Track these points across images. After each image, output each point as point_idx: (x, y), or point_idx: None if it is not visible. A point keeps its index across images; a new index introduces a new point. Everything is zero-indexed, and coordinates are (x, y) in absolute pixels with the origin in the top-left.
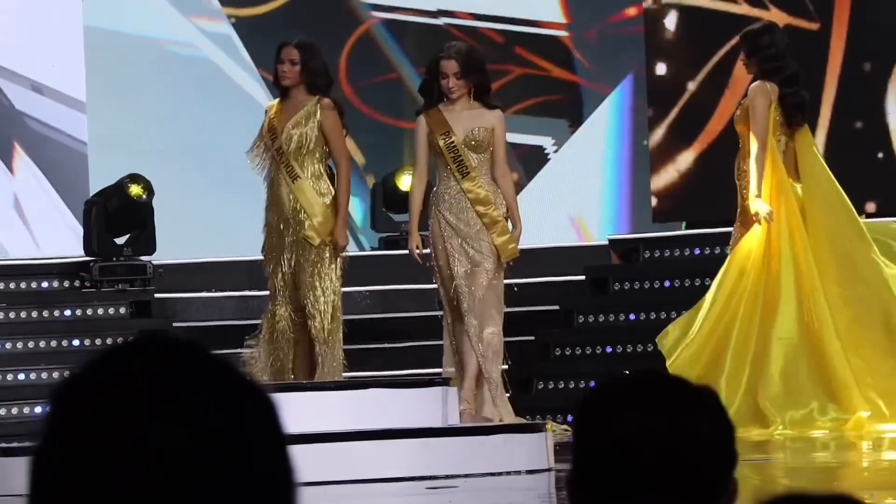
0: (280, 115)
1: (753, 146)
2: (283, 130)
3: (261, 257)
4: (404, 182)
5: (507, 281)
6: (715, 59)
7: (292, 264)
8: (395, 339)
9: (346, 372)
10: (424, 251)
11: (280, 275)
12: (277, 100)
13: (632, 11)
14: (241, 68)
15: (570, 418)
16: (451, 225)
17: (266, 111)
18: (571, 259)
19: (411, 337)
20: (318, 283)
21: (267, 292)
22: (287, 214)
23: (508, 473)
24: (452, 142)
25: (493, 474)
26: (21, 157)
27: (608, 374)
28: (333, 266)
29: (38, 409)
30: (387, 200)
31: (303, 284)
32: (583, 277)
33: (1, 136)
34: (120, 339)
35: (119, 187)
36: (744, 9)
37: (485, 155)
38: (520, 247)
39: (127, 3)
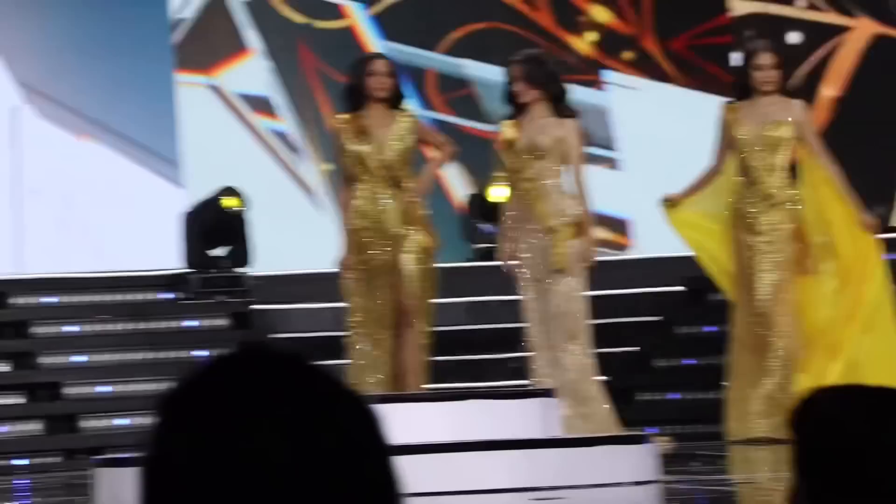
0: (367, 129)
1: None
2: (386, 145)
3: None
4: (493, 194)
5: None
6: (805, 66)
7: (393, 272)
8: (491, 350)
9: (443, 383)
10: (515, 262)
11: (380, 285)
12: (349, 114)
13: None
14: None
15: (653, 429)
16: (525, 236)
17: (341, 125)
18: (670, 269)
19: (507, 348)
20: (419, 286)
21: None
22: (388, 226)
23: (614, 485)
24: (514, 150)
25: (598, 486)
26: None
27: (817, 395)
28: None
29: (143, 420)
30: (480, 212)
31: (406, 286)
32: (682, 288)
33: None
34: (220, 351)
35: (214, 200)
36: (830, 17)
37: (547, 163)
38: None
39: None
